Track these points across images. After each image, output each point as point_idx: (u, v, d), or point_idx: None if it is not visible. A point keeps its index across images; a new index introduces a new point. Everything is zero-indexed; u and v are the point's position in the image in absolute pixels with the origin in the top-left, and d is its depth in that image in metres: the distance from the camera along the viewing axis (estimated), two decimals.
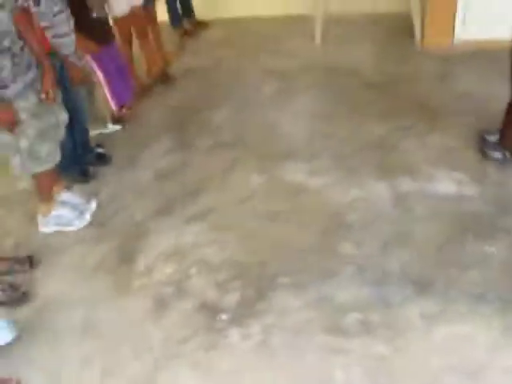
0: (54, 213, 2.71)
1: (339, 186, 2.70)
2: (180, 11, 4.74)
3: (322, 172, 2.81)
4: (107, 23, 3.42)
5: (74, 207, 2.77)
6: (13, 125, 2.34)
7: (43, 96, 2.43)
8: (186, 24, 4.80)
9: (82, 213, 2.77)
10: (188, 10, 4.80)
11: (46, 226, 2.73)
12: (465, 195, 2.56)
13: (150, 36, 4.08)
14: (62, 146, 2.67)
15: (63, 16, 2.58)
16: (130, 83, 3.67)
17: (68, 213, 2.74)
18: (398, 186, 2.65)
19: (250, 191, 2.78)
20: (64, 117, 2.62)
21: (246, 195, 2.75)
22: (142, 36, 3.88)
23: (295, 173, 2.83)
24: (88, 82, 3.18)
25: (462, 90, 3.36)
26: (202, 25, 4.87)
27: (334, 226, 2.48)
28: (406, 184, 2.66)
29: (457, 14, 3.76)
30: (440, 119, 3.11)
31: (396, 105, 3.31)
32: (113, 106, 3.50)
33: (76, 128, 2.97)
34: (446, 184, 2.64)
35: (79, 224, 2.73)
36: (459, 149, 2.85)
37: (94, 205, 2.83)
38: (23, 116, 2.37)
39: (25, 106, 2.36)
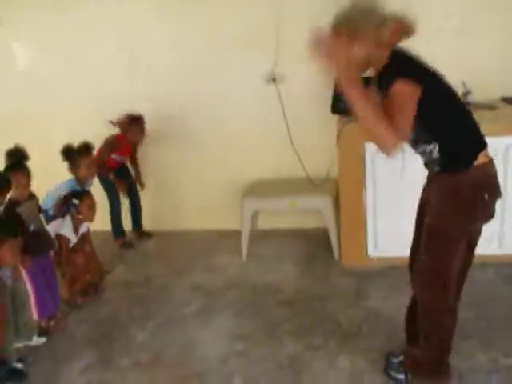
0: None
1: None
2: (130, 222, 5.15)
3: None
4: (44, 234, 3.64)
5: None
6: None
7: None
8: (132, 234, 5.14)
9: None
10: (137, 222, 5.16)
11: None
12: None
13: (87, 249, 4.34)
14: None
15: None
16: (58, 295, 3.80)
17: None
18: None
19: None
20: None
21: None
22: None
23: None
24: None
25: (374, 309, 3.57)
26: (146, 235, 5.20)
27: None
28: None
29: (368, 233, 4.12)
30: (351, 339, 3.26)
31: (309, 323, 3.48)
32: (37, 316, 3.58)
33: None
34: None
35: None
36: (367, 372, 2.95)
37: None
38: None
39: None
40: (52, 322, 3.68)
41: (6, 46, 5.15)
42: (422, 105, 2.27)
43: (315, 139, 4.61)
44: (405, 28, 2.35)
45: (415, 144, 2.53)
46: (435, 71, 2.40)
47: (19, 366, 3.27)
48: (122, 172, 4.92)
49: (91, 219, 3.98)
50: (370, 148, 3.92)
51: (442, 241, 2.51)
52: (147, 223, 5.22)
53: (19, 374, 3.22)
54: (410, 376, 2.83)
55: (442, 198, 2.52)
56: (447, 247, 2.51)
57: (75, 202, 3.88)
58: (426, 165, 2.61)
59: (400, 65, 2.35)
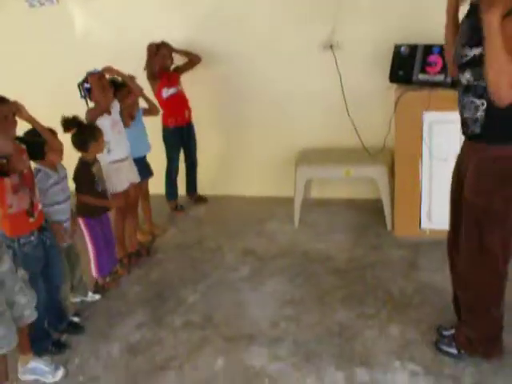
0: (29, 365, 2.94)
1: (297, 373, 2.79)
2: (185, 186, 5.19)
3: (281, 358, 2.91)
4: (106, 195, 3.73)
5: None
6: None
7: None
8: (188, 198, 5.21)
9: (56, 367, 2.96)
10: (193, 186, 5.20)
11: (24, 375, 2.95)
12: None
13: (142, 209, 4.46)
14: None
15: (58, 187, 3.17)
16: (115, 255, 3.90)
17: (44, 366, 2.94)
18: (354, 377, 2.73)
19: (212, 374, 2.86)
20: (23, 301, 2.77)
21: (208, 378, 2.83)
22: (133, 209, 4.19)
23: (257, 357, 2.94)
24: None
25: (425, 280, 3.53)
26: (202, 200, 5.25)
27: None
28: (362, 375, 2.73)
29: (422, 205, 4.05)
30: (402, 309, 3.24)
31: (361, 292, 3.47)
32: (96, 274, 3.73)
33: (51, 296, 3.16)
34: (400, 376, 2.71)
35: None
36: (417, 342, 2.94)
37: (60, 373, 2.94)
38: None
39: None
40: (107, 280, 3.79)
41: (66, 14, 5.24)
42: None
43: (372, 107, 4.52)
44: None
45: (464, 92, 2.40)
46: None
47: (76, 319, 3.43)
48: (182, 132, 4.88)
49: (107, 101, 3.85)
50: (428, 117, 3.83)
51: (485, 219, 2.44)
52: (201, 188, 5.26)
53: (76, 327, 3.37)
54: (462, 351, 2.79)
55: (480, 173, 2.42)
56: (491, 225, 2.44)
57: (87, 85, 3.80)
58: (463, 124, 2.48)
59: None
